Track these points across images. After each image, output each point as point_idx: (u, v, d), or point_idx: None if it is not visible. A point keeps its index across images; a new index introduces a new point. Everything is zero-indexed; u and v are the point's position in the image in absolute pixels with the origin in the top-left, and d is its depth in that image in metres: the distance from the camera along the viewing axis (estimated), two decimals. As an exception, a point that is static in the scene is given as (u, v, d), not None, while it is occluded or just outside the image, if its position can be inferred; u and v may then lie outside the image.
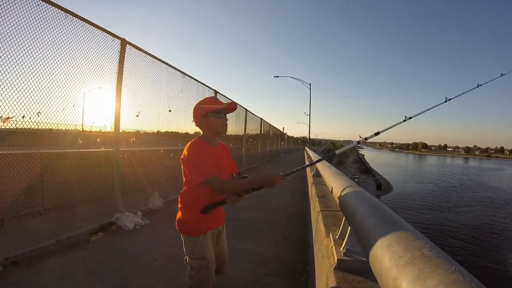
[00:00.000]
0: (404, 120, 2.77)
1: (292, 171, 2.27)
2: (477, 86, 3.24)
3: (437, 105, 3.01)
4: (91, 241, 4.40)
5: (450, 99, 3.08)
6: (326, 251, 2.13)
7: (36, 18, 3.77)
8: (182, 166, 2.19)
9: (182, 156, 2.17)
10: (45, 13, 3.88)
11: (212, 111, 2.22)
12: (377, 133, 2.63)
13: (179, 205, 2.29)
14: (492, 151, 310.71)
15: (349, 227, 1.91)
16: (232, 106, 2.38)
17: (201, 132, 2.33)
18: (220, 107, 2.26)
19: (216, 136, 2.34)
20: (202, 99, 2.39)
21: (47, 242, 4.00)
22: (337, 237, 2.22)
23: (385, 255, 0.97)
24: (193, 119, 2.32)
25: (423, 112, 2.88)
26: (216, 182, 2.09)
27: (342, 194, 2.13)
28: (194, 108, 2.30)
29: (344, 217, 2.17)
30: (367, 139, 2.57)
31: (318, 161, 2.83)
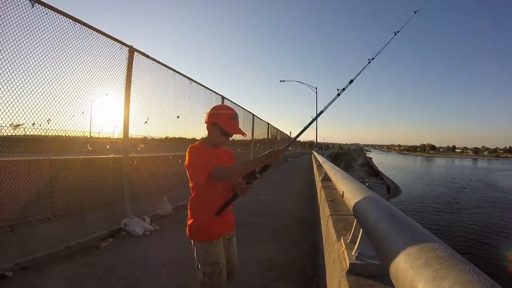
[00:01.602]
0: (369, 62, 3.04)
1: (289, 142, 2.49)
2: (395, 35, 3.39)
3: (389, 41, 3.25)
4: (100, 246, 4.42)
5: (398, 31, 3.33)
6: (338, 255, 2.11)
7: (46, 27, 3.83)
8: (187, 171, 2.19)
9: (185, 162, 2.17)
10: (54, 22, 3.94)
11: (220, 126, 2.21)
12: (351, 81, 2.89)
13: (189, 211, 2.28)
14: (501, 151, 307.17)
15: (361, 231, 1.89)
16: (243, 135, 2.36)
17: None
18: (229, 129, 2.24)
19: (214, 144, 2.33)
20: (222, 105, 2.42)
21: (57, 247, 4.03)
22: (348, 241, 2.20)
23: (400, 257, 0.97)
24: (206, 113, 2.33)
25: (381, 50, 3.17)
26: (222, 170, 2.09)
27: (354, 198, 2.12)
28: (211, 110, 2.32)
29: (355, 221, 2.15)
30: (344, 89, 2.80)
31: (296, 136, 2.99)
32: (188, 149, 2.19)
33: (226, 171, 2.12)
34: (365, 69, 3.00)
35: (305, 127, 2.78)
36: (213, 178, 2.08)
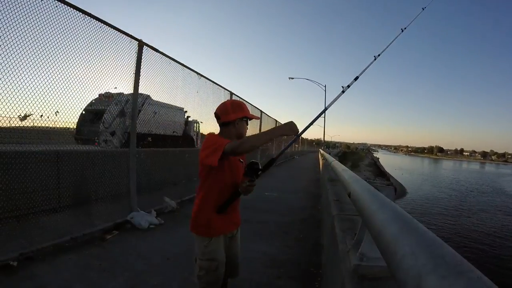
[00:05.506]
0: (375, 59, 3.10)
1: (302, 130, 2.32)
2: (402, 31, 3.49)
3: (396, 38, 3.40)
4: (105, 239, 4.44)
5: (405, 28, 3.49)
6: (342, 256, 2.10)
7: (54, 20, 3.82)
8: (200, 155, 2.08)
9: (202, 147, 2.10)
10: (63, 14, 3.93)
11: (247, 116, 2.27)
12: (356, 78, 2.89)
13: (196, 202, 2.25)
14: (510, 156, 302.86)
15: (366, 232, 1.87)
16: (255, 118, 2.44)
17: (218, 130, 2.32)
18: (252, 116, 2.32)
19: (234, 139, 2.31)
20: (230, 100, 2.42)
21: (62, 238, 4.05)
22: (353, 241, 2.18)
23: (407, 262, 0.95)
24: (221, 114, 2.24)
25: (387, 46, 3.28)
26: (234, 143, 1.94)
27: (361, 199, 2.09)
28: (229, 108, 2.25)
29: (360, 222, 2.13)
30: (349, 86, 2.80)
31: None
32: (207, 135, 2.19)
33: (239, 143, 1.94)
34: (372, 66, 2.99)
35: (311, 123, 2.75)
36: (225, 153, 1.94)
